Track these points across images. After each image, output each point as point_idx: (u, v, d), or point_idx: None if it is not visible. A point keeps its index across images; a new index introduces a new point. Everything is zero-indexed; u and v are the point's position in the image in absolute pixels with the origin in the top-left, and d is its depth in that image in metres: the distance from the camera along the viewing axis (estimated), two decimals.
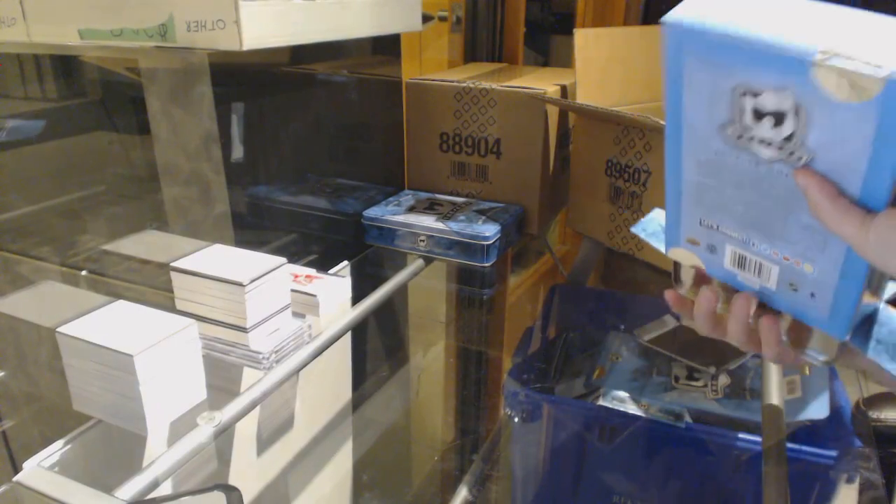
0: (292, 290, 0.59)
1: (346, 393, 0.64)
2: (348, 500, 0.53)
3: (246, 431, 0.52)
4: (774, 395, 0.57)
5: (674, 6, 0.31)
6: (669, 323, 0.74)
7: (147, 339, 0.45)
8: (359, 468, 0.55)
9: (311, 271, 0.63)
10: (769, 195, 0.33)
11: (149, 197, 0.67)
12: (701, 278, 0.41)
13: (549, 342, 0.81)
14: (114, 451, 0.48)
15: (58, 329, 0.47)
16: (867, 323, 0.36)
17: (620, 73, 0.85)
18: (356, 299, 0.66)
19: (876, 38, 0.26)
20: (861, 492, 0.49)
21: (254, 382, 0.52)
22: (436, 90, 0.86)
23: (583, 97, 0.81)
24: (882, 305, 0.36)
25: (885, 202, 0.29)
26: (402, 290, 0.73)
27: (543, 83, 0.83)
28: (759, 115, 0.30)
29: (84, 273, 0.70)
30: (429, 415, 0.65)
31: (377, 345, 0.73)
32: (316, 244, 0.78)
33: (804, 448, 0.57)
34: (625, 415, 0.67)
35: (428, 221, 0.78)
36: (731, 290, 0.39)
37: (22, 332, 0.69)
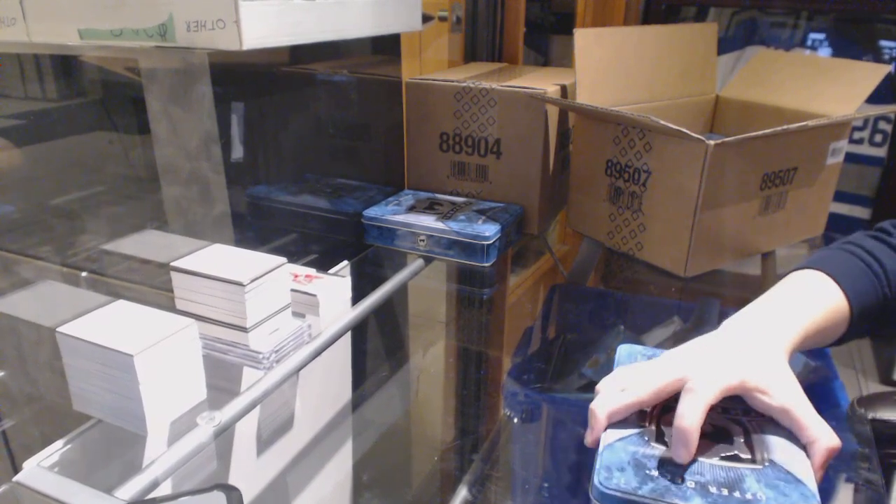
0: (292, 290, 0.59)
1: (346, 393, 0.64)
2: (348, 500, 0.53)
3: (246, 431, 0.52)
4: None
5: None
6: (673, 325, 0.74)
7: (147, 339, 0.45)
8: (359, 468, 0.55)
9: (311, 271, 0.63)
10: None
11: (149, 197, 0.67)
12: None
13: (548, 342, 0.81)
14: (114, 451, 0.48)
15: (58, 329, 0.47)
16: None
17: (620, 73, 0.85)
18: (356, 299, 0.66)
19: None
20: (859, 492, 0.49)
21: (254, 382, 0.52)
22: (436, 90, 0.86)
23: (583, 97, 0.81)
24: None
25: None
26: (401, 290, 0.73)
27: (543, 83, 0.83)
28: None
29: (84, 273, 0.70)
30: (428, 415, 0.65)
31: (377, 345, 0.73)
32: (316, 244, 0.78)
33: None
34: None
35: (428, 221, 0.78)
36: None
37: (22, 332, 0.69)
